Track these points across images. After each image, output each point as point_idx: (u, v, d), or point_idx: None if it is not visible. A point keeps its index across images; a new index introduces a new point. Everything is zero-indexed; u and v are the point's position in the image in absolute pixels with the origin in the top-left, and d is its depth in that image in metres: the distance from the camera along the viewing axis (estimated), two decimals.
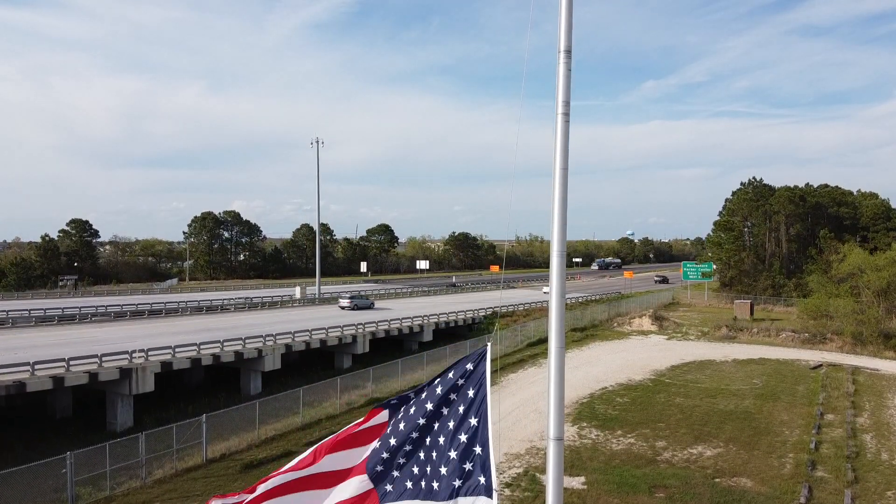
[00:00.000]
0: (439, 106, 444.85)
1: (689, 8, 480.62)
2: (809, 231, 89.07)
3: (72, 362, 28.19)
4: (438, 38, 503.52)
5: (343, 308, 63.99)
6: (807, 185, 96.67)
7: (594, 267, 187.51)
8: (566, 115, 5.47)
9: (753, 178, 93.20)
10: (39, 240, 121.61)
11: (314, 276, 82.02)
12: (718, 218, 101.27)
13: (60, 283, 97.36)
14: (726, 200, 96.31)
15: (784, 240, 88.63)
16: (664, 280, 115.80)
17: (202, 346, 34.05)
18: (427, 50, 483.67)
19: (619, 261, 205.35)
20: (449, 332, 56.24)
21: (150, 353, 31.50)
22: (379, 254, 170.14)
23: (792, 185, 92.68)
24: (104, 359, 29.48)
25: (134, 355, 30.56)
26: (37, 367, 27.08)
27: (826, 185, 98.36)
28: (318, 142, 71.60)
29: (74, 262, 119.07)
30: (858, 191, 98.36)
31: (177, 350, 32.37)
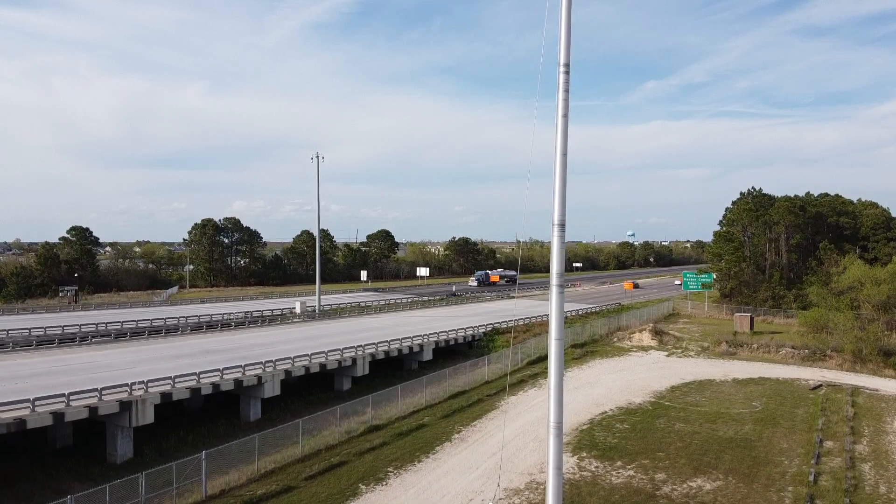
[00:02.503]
0: (440, 106, 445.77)
1: (690, 9, 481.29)
2: (810, 241, 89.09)
3: (72, 397, 28.25)
4: (440, 39, 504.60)
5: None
6: (807, 194, 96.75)
7: (472, 283, 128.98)
8: (562, 226, 5.48)
9: (753, 187, 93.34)
10: (40, 241, 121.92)
11: (314, 283, 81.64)
12: (719, 228, 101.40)
13: (61, 294, 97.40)
14: (726, 210, 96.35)
15: (784, 250, 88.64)
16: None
17: (202, 375, 34.09)
18: (429, 50, 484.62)
19: (514, 273, 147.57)
20: (449, 350, 56.26)
21: (149, 384, 31.54)
22: (379, 259, 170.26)
23: (792, 195, 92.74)
24: (104, 392, 29.54)
25: (134, 387, 30.60)
26: (37, 403, 27.15)
27: (826, 195, 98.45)
28: (318, 156, 71.78)
29: (75, 270, 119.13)
30: (859, 200, 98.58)
31: (176, 380, 32.42)
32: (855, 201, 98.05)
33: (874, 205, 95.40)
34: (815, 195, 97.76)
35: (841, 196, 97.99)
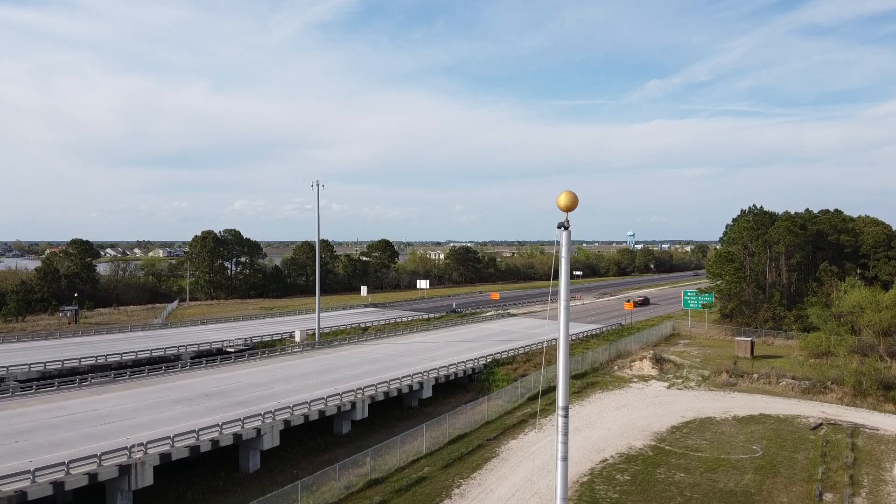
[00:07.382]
0: (442, 105, 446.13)
1: (693, 8, 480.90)
2: (810, 259, 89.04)
3: (71, 465, 28.25)
4: (443, 38, 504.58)
5: None
6: (807, 210, 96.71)
7: None
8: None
9: (753, 205, 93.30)
10: (40, 241, 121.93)
11: (314, 295, 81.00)
12: (719, 241, 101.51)
13: (60, 314, 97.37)
14: (727, 227, 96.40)
15: (784, 269, 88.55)
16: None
17: (201, 433, 34.07)
18: (431, 50, 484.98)
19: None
20: (449, 385, 56.08)
21: (148, 445, 31.52)
22: (379, 270, 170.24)
23: (793, 213, 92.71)
24: (103, 457, 29.53)
25: (133, 450, 30.57)
26: (37, 474, 27.16)
27: (827, 211, 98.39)
28: (318, 184, 71.65)
29: (75, 285, 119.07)
30: (860, 216, 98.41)
31: (175, 440, 32.39)
32: (855, 217, 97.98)
33: (875, 222, 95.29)
34: (816, 211, 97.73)
35: (841, 212, 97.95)
